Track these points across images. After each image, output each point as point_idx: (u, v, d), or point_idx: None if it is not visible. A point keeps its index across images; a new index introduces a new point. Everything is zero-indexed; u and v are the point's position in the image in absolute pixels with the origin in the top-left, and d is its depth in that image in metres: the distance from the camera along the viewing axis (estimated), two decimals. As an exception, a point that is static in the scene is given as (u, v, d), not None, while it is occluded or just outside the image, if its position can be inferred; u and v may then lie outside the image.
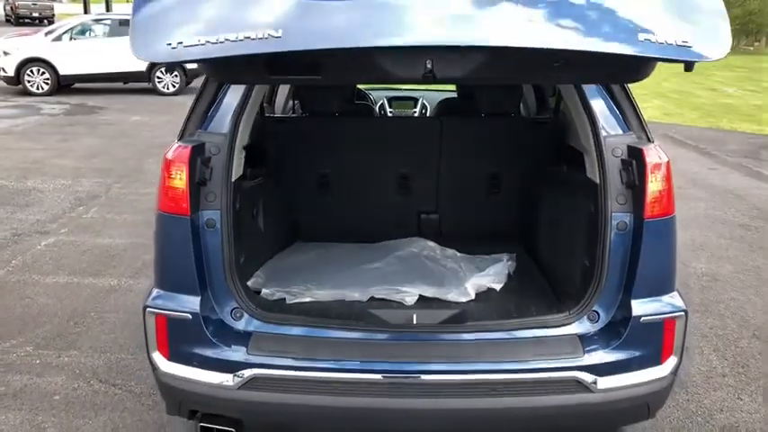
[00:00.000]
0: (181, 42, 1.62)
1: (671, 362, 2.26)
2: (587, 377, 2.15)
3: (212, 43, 1.59)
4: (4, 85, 13.67)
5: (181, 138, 2.31)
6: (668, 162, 2.28)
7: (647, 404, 2.29)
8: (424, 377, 2.15)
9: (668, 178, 2.26)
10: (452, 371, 2.15)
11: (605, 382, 2.16)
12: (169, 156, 2.21)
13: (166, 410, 2.41)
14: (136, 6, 1.74)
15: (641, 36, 1.62)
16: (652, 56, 1.67)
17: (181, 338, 2.20)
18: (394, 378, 2.13)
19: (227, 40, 1.58)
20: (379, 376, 2.13)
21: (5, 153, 8.40)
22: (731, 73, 20.53)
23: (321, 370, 2.13)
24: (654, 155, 2.22)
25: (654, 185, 2.19)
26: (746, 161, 9.02)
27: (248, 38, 1.57)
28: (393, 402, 2.14)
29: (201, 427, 2.28)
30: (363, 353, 2.18)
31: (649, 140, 2.32)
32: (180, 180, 2.17)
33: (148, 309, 2.24)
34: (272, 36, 1.57)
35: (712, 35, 1.69)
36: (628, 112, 2.37)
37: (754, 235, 5.85)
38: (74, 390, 3.25)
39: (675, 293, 2.31)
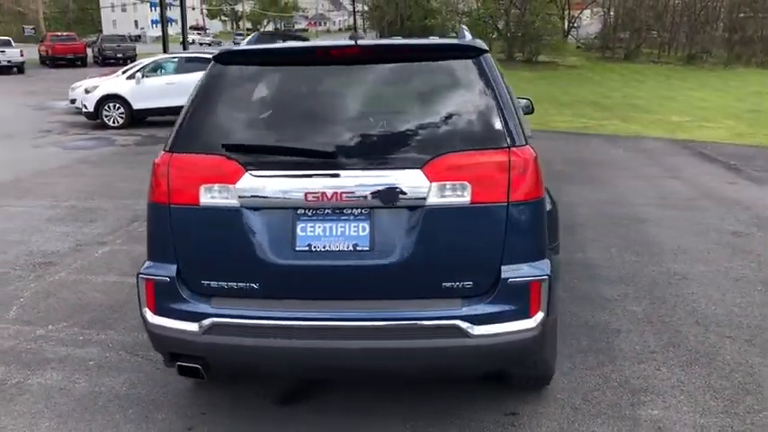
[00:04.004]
0: None
1: (538, 316, 2.82)
2: (465, 324, 2.75)
3: None
4: (85, 120, 15.20)
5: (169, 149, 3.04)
6: (531, 159, 2.86)
7: (519, 350, 2.86)
8: (340, 323, 2.78)
9: (533, 171, 2.84)
10: (359, 318, 2.78)
11: (480, 330, 2.75)
12: (156, 161, 2.97)
13: (155, 348, 3.13)
14: None
15: None
16: None
17: (162, 297, 2.93)
18: (316, 324, 2.79)
19: None
20: (306, 323, 2.79)
21: (80, 178, 9.55)
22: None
23: (262, 318, 2.81)
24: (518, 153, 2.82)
25: (516, 178, 2.79)
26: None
27: None
28: (315, 343, 2.80)
29: (179, 365, 3.00)
30: (297, 306, 2.84)
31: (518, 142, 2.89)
32: (163, 177, 2.92)
33: (140, 275, 2.99)
34: None
35: None
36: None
37: (740, 241, 6.20)
38: (105, 358, 4.04)
39: (543, 261, 2.87)
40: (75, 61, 36.12)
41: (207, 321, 2.84)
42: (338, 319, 2.77)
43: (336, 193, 2.77)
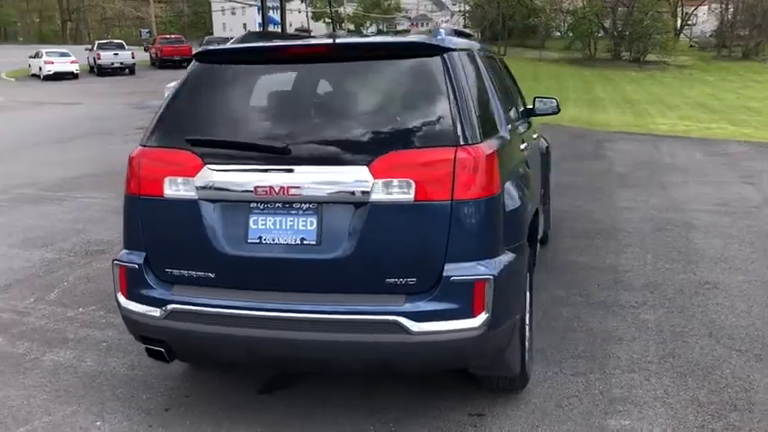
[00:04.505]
0: None
1: (482, 316, 2.80)
2: (406, 321, 2.76)
3: None
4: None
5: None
6: (482, 157, 2.84)
7: (460, 350, 2.84)
8: (287, 314, 2.86)
9: (482, 170, 2.82)
10: (305, 310, 2.85)
11: (420, 327, 2.76)
12: (132, 154, 3.16)
13: (128, 331, 3.33)
14: None
15: None
16: None
17: (132, 283, 3.12)
18: (265, 314, 2.88)
19: None
20: (255, 312, 2.89)
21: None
22: None
23: (216, 306, 2.94)
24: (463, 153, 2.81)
25: (461, 177, 2.78)
26: None
27: None
28: (263, 333, 2.89)
29: (146, 348, 3.19)
30: (247, 296, 2.95)
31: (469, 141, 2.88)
32: (135, 170, 3.10)
33: (115, 261, 3.19)
34: None
35: None
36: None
37: (793, 250, 5.82)
38: (118, 340, 4.30)
39: (490, 261, 2.84)
40: (181, 62, 37.89)
41: (167, 307, 3.00)
42: (285, 310, 2.86)
43: (284, 187, 2.86)
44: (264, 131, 3.03)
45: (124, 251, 3.20)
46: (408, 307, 2.80)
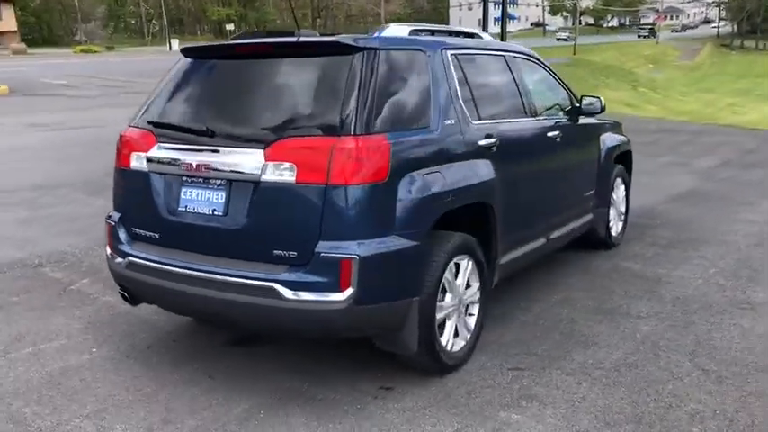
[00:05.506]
0: None
1: (348, 292, 3.07)
2: (281, 288, 3.12)
3: None
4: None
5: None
6: (365, 147, 3.09)
7: (327, 320, 3.12)
8: (197, 273, 3.31)
9: (367, 159, 3.08)
10: (209, 270, 3.30)
11: (293, 295, 3.09)
12: (120, 133, 3.85)
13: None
14: None
15: None
16: None
17: (113, 238, 3.81)
18: (184, 271, 3.40)
19: None
20: (178, 269, 3.42)
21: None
22: None
23: (155, 261, 3.52)
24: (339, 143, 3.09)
25: (336, 164, 3.06)
26: None
27: None
28: (184, 287, 3.41)
29: (119, 291, 3.88)
30: (176, 255, 3.49)
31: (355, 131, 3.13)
32: (119, 146, 3.79)
33: (105, 219, 3.91)
34: None
35: None
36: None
37: None
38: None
39: (361, 242, 3.08)
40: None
41: (127, 259, 3.65)
42: (196, 269, 3.36)
43: (202, 165, 3.36)
44: (200, 117, 3.54)
45: (111, 212, 3.92)
46: (285, 276, 3.15)
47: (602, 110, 5.21)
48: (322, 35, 3.68)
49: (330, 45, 3.42)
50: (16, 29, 65.03)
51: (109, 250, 3.85)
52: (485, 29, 32.12)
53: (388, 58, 3.44)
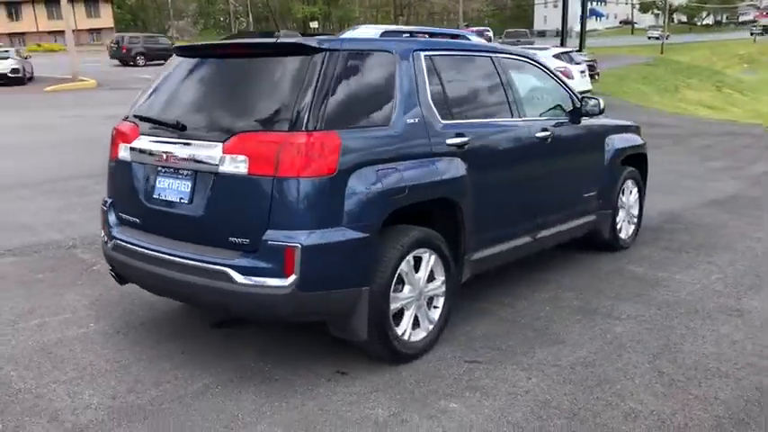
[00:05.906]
0: None
1: (292, 278, 3.26)
2: (232, 272, 3.35)
3: None
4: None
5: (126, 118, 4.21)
6: (314, 143, 3.27)
7: (273, 304, 3.32)
8: (164, 255, 3.58)
9: (317, 154, 3.27)
10: (175, 254, 3.56)
11: (242, 279, 3.31)
12: (116, 125, 4.18)
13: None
14: None
15: None
16: None
17: (105, 220, 4.15)
18: (155, 254, 3.68)
19: None
20: (151, 252, 3.70)
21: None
22: None
23: (133, 244, 3.82)
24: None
25: (285, 157, 3.26)
26: None
27: None
28: (154, 268, 3.69)
29: (110, 273, 4.21)
30: (150, 239, 3.77)
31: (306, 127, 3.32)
32: (113, 138, 4.12)
33: (102, 206, 4.25)
34: None
35: None
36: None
37: None
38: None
39: (306, 232, 3.26)
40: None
41: (114, 241, 3.97)
42: (164, 252, 3.64)
43: (171, 156, 3.63)
44: (176, 112, 3.81)
45: (106, 198, 4.26)
46: (237, 261, 3.38)
47: (602, 111, 5.20)
48: (303, 35, 3.87)
49: (296, 46, 3.61)
50: (113, 25, 68.54)
51: (102, 233, 4.19)
52: (564, 28, 31.61)
53: (349, 58, 3.61)
